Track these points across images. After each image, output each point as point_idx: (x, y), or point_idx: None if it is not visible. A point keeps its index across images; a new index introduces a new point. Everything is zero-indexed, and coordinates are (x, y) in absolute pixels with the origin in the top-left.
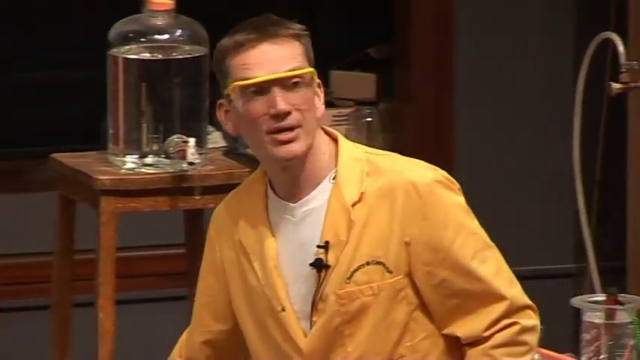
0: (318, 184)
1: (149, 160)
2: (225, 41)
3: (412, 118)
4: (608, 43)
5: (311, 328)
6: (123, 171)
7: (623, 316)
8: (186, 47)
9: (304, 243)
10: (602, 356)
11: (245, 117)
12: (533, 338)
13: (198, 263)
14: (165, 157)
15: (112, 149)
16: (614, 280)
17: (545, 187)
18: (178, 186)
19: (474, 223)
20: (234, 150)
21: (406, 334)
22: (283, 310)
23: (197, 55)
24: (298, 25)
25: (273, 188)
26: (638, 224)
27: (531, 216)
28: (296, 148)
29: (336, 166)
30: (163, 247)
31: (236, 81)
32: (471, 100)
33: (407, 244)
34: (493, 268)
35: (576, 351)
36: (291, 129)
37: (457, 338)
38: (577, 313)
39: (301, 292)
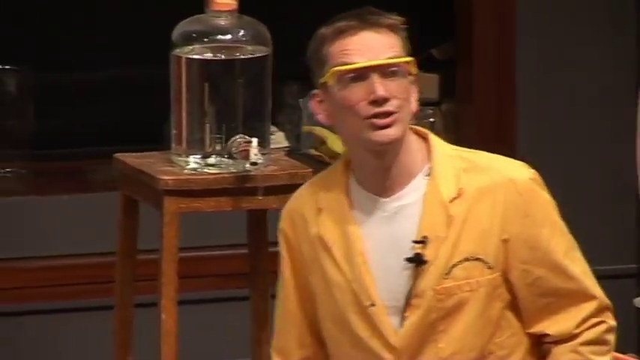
0: (411, 180)
1: (212, 160)
2: (325, 29)
3: (474, 119)
4: None
5: (402, 324)
6: (186, 171)
7: None
8: (249, 47)
9: (396, 238)
10: None
11: (341, 104)
12: (613, 338)
13: (260, 264)
14: (228, 158)
15: (175, 149)
16: None
17: (608, 187)
18: (241, 186)
19: (562, 222)
20: (296, 150)
21: (496, 331)
22: (373, 305)
23: (260, 55)
24: (398, 17)
25: (359, 182)
26: None
27: (593, 216)
28: (393, 132)
29: (428, 162)
30: (226, 247)
31: (335, 66)
32: (532, 101)
33: (505, 241)
34: (582, 267)
35: (639, 351)
36: (388, 114)
37: (539, 337)
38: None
39: (391, 287)
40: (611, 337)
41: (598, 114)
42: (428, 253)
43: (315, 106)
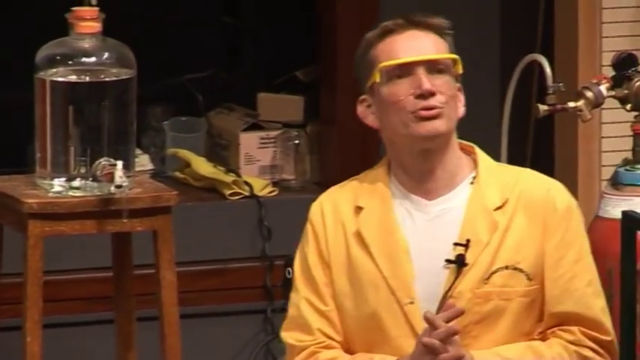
0: (456, 185)
1: (76, 183)
2: (372, 32)
3: (338, 141)
4: (535, 65)
5: None
6: (50, 194)
7: None
8: (114, 70)
9: (436, 240)
10: None
11: (388, 100)
12: None
13: (125, 286)
14: (92, 181)
15: (40, 172)
16: None
17: None
18: (106, 209)
19: (591, 258)
20: (161, 173)
21: None
22: (412, 302)
23: (124, 77)
24: (444, 20)
25: (402, 184)
26: None
27: None
28: (439, 124)
29: (473, 172)
30: (91, 270)
31: (382, 63)
32: None
33: (542, 255)
34: (602, 303)
35: None
36: (434, 108)
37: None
38: None
39: (427, 288)
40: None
41: (464, 137)
42: (469, 257)
43: (363, 110)
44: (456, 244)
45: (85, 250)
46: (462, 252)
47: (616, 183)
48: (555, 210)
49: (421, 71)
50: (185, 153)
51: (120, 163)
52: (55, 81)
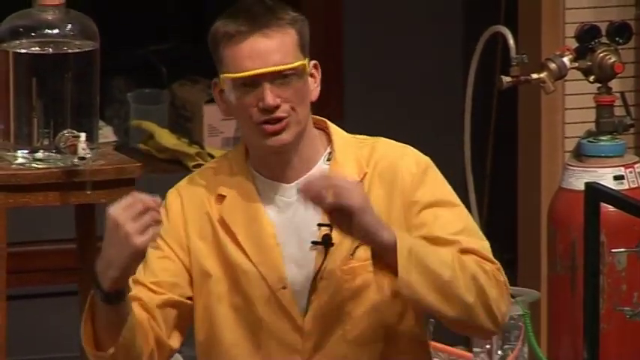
0: (313, 165)
1: (40, 155)
2: (219, 27)
3: None
4: (499, 37)
5: (308, 307)
6: (14, 166)
7: (514, 309)
8: (77, 42)
9: (299, 223)
10: (493, 347)
11: (234, 106)
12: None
13: (89, 258)
14: (56, 152)
15: (3, 144)
16: (505, 273)
17: None
18: (69, 181)
19: (457, 204)
20: (125, 144)
21: (404, 318)
22: (284, 287)
23: (88, 49)
24: (292, 13)
25: (257, 170)
26: (528, 217)
27: None
28: (284, 137)
29: (327, 148)
30: (55, 242)
31: (227, 72)
32: (361, 94)
33: (403, 224)
34: (480, 243)
35: (468, 344)
36: (279, 120)
37: None
38: None
39: (296, 270)
40: (501, 277)
41: (429, 110)
42: (334, 235)
43: (217, 95)
44: (320, 224)
45: (49, 221)
46: (327, 232)
47: (579, 155)
48: (412, 175)
49: (266, 84)
50: (149, 125)
51: (83, 135)
52: (19, 53)
